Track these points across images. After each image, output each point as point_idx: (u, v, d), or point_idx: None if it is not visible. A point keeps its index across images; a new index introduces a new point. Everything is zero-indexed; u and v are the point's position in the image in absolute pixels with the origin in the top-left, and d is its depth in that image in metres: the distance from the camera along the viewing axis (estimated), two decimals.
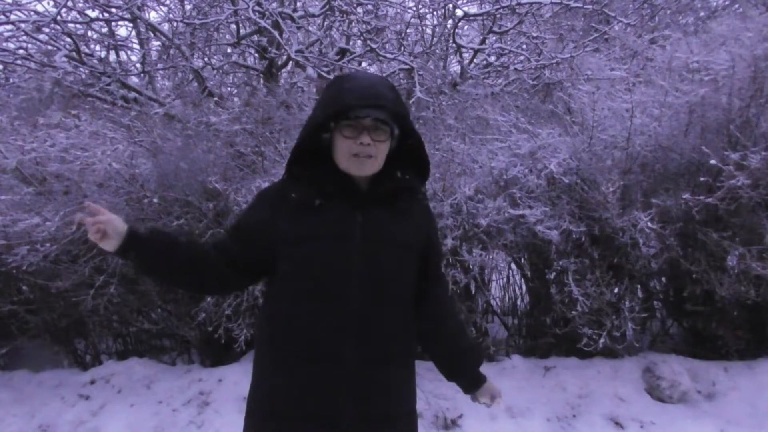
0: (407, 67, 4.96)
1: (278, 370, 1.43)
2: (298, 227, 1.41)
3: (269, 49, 5.18)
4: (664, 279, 3.81)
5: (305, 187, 1.42)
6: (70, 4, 4.79)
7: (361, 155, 1.38)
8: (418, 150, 1.50)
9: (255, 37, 5.32)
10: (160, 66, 5.60)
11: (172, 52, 5.52)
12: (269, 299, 1.53)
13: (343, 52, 5.44)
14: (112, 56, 5.71)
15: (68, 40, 4.89)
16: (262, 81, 5.64)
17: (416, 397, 1.59)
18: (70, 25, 4.95)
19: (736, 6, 6.13)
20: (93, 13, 5.14)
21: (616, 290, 3.31)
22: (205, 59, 5.53)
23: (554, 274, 3.43)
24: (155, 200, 3.25)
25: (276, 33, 4.64)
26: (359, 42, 5.58)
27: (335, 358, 1.39)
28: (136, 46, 5.66)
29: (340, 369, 1.39)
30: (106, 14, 5.03)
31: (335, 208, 1.41)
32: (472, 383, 1.60)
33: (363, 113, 1.35)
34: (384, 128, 1.38)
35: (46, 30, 4.83)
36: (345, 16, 5.11)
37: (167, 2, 5.89)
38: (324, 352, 1.39)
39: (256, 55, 5.72)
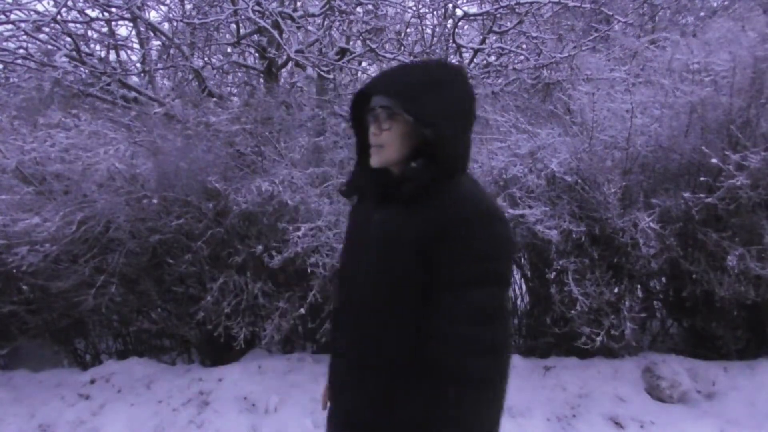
0: None
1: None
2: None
3: (269, 48, 5.17)
4: (663, 279, 3.81)
5: (349, 185, 1.45)
6: (70, 3, 4.78)
7: (374, 145, 1.32)
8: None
9: (255, 37, 5.31)
10: (160, 66, 5.60)
11: (172, 51, 5.52)
12: None
13: (342, 52, 5.44)
14: (112, 56, 5.71)
15: (68, 39, 4.88)
16: (262, 81, 5.64)
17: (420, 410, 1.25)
18: (70, 24, 4.95)
19: (736, 6, 6.12)
20: (93, 13, 5.14)
21: (615, 290, 3.31)
22: (205, 59, 5.53)
23: (554, 273, 3.44)
24: (155, 200, 3.24)
25: (276, 33, 4.64)
26: (359, 42, 5.57)
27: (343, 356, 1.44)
28: (136, 46, 5.66)
29: (342, 366, 1.43)
30: (106, 14, 5.02)
31: (364, 207, 1.42)
32: None
33: (373, 102, 1.30)
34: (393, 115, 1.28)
35: (46, 30, 4.83)
36: (344, 16, 5.10)
37: (167, 2, 5.88)
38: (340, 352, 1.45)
39: (256, 54, 5.72)
